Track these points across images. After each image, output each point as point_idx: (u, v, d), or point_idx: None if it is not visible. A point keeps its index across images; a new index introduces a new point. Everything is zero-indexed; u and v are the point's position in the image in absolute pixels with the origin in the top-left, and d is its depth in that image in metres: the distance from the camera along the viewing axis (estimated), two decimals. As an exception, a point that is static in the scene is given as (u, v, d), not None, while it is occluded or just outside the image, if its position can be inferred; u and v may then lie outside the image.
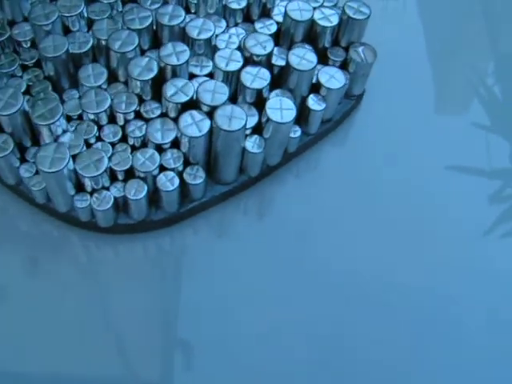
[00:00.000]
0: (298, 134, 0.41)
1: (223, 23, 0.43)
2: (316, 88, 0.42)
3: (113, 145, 0.39)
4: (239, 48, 0.41)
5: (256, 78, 0.39)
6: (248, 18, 0.44)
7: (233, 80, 0.40)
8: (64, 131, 0.38)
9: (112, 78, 0.41)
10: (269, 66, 0.41)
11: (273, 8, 0.44)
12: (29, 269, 0.41)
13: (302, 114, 0.42)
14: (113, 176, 0.38)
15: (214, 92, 0.38)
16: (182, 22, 0.40)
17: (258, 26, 0.43)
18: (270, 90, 0.41)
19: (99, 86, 0.40)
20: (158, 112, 0.39)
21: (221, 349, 0.38)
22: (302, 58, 0.40)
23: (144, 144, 0.39)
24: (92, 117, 0.39)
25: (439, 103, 0.50)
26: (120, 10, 0.43)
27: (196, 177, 0.39)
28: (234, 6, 0.43)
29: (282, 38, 0.43)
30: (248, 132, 0.39)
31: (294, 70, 0.40)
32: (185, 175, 0.39)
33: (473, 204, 0.44)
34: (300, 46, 0.41)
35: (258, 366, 0.38)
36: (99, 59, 0.41)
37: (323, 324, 0.39)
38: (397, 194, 0.44)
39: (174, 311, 0.40)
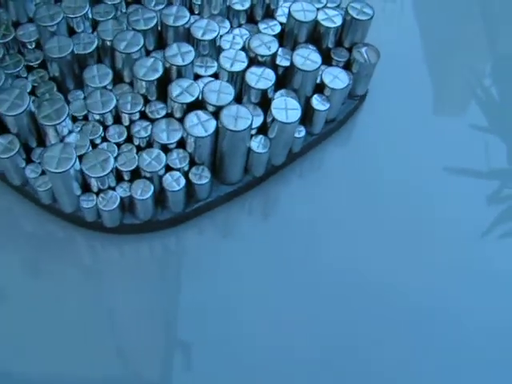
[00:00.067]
0: (303, 133, 0.42)
1: (227, 24, 0.43)
2: (320, 88, 0.42)
3: (118, 145, 0.39)
4: (243, 49, 0.41)
5: (261, 79, 0.39)
6: (251, 19, 0.45)
7: (237, 80, 0.40)
8: (70, 132, 0.38)
9: (117, 79, 0.41)
10: (273, 66, 0.41)
11: (276, 9, 0.44)
12: (34, 269, 0.41)
13: (306, 114, 0.42)
14: (119, 176, 0.39)
15: (220, 92, 0.38)
16: (186, 22, 0.41)
17: (261, 26, 0.43)
18: (275, 91, 0.41)
19: (104, 87, 0.40)
20: (164, 112, 0.40)
21: (224, 349, 0.39)
22: (307, 58, 0.40)
23: (149, 144, 0.39)
24: (97, 117, 0.39)
25: (440, 104, 0.51)
26: (124, 11, 0.44)
27: (202, 177, 0.39)
28: (238, 7, 0.44)
29: (286, 38, 0.43)
30: (253, 132, 0.40)
31: (299, 70, 0.40)
32: (190, 175, 0.39)
33: (471, 205, 0.44)
34: (304, 47, 0.42)
35: (260, 366, 0.38)
36: (104, 60, 0.41)
37: (326, 324, 0.40)
38: (398, 194, 0.44)
39: (179, 311, 0.40)
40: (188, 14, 0.41)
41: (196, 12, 0.44)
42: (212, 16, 0.43)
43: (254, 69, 0.40)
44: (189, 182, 0.39)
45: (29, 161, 0.39)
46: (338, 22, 0.42)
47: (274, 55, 0.41)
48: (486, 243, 0.43)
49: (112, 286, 0.41)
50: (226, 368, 0.38)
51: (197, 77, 0.41)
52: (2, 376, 0.38)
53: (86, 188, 0.38)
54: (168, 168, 0.38)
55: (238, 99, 0.40)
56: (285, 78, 0.42)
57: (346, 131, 0.47)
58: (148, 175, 0.38)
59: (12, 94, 0.37)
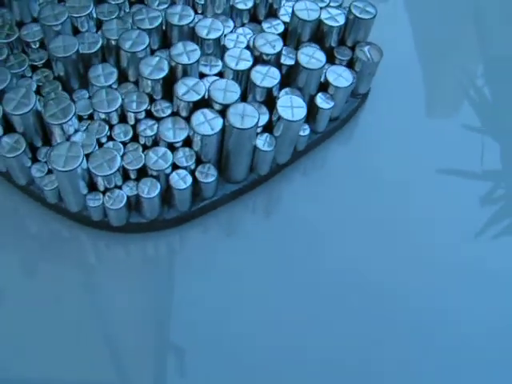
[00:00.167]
0: (307, 132, 0.42)
1: (231, 23, 0.43)
2: (323, 87, 0.42)
3: (124, 144, 0.39)
4: (247, 48, 0.42)
5: (266, 77, 0.40)
6: (254, 19, 0.45)
7: (242, 79, 0.40)
8: (76, 131, 0.38)
9: (122, 78, 0.41)
10: (277, 65, 0.41)
11: (279, 8, 0.44)
12: (38, 269, 0.41)
13: (310, 113, 0.42)
14: (125, 175, 0.39)
15: (226, 90, 0.38)
16: (191, 21, 0.41)
17: (265, 26, 0.43)
18: (279, 89, 0.41)
19: (109, 86, 0.40)
20: (169, 111, 0.40)
21: (227, 349, 0.39)
22: (311, 56, 0.40)
23: (155, 143, 0.39)
24: (103, 116, 0.39)
25: (440, 103, 0.51)
26: (127, 10, 0.44)
27: (208, 175, 0.39)
28: (241, 6, 0.44)
29: (289, 37, 0.43)
30: (258, 130, 0.40)
31: (304, 68, 0.40)
32: (197, 173, 0.39)
33: (468, 205, 0.45)
34: (307, 46, 0.42)
35: (261, 366, 0.38)
36: (108, 59, 0.42)
37: (327, 324, 0.40)
38: (398, 193, 0.45)
39: (182, 311, 0.40)
40: (192, 13, 0.41)
41: (199, 11, 0.44)
42: (215, 15, 0.43)
43: (259, 67, 0.40)
44: (195, 181, 0.39)
45: (34, 160, 0.39)
46: (341, 20, 0.43)
47: (279, 54, 0.41)
48: (481, 243, 0.43)
49: (117, 286, 0.41)
50: (229, 368, 0.38)
51: (202, 75, 0.41)
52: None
53: (92, 187, 0.38)
54: (174, 166, 0.38)
55: (242, 98, 0.40)
56: (289, 77, 0.42)
57: (349, 129, 0.47)
58: (155, 174, 0.38)
59: (18, 93, 0.37)
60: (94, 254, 0.42)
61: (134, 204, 0.39)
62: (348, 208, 0.44)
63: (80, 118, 0.39)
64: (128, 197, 0.38)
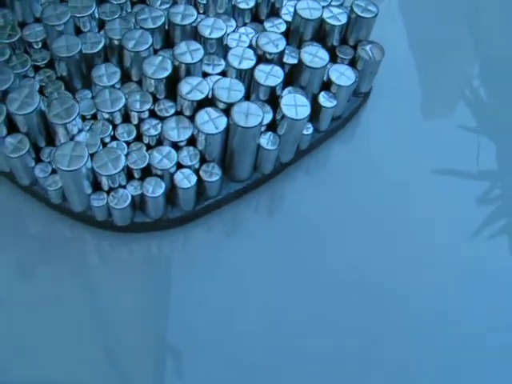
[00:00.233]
0: (311, 130, 0.42)
1: (233, 23, 0.43)
2: (325, 86, 0.42)
3: (127, 144, 0.39)
4: (250, 47, 0.42)
5: (269, 76, 0.40)
6: (256, 18, 0.45)
7: (246, 78, 0.40)
8: (79, 130, 0.38)
9: (125, 78, 0.41)
10: (280, 64, 0.41)
11: (281, 8, 0.44)
12: (42, 269, 0.41)
13: (313, 112, 0.42)
14: (129, 175, 0.39)
15: (230, 89, 0.38)
16: (194, 21, 0.41)
17: (267, 25, 0.43)
18: (282, 88, 0.41)
19: (113, 86, 0.40)
20: (173, 111, 0.40)
21: (230, 349, 0.38)
22: (315, 55, 0.40)
23: (159, 143, 0.39)
24: (106, 116, 0.39)
25: (441, 102, 0.51)
26: (129, 10, 0.44)
27: (212, 174, 0.39)
28: (243, 5, 0.44)
29: (292, 36, 0.43)
30: (262, 129, 0.40)
31: (307, 67, 0.40)
32: (201, 172, 0.39)
33: (465, 205, 0.45)
34: (310, 44, 0.42)
35: (262, 366, 0.38)
36: (111, 59, 0.42)
37: (328, 323, 0.40)
38: (398, 192, 0.45)
39: (186, 310, 0.40)
40: (195, 12, 0.41)
41: (201, 11, 0.44)
42: (217, 15, 0.43)
43: (262, 66, 0.40)
44: (199, 180, 0.39)
45: (38, 160, 0.39)
46: (343, 19, 0.43)
47: (282, 53, 0.41)
48: (480, 243, 0.43)
49: (120, 285, 0.40)
50: (230, 369, 0.38)
51: (204, 75, 0.41)
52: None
53: (96, 187, 0.38)
54: (178, 165, 0.38)
55: (246, 97, 0.40)
56: (291, 76, 0.42)
57: (351, 128, 0.47)
58: (159, 173, 0.38)
59: (22, 93, 0.37)
60: (97, 254, 0.42)
61: (138, 203, 0.39)
62: (349, 207, 0.44)
63: (83, 118, 0.39)
64: (132, 196, 0.38)
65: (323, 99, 0.42)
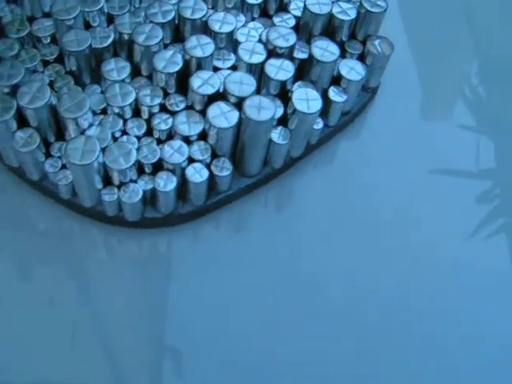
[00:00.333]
0: (321, 125, 0.42)
1: (242, 18, 0.43)
2: (335, 80, 0.42)
3: (138, 138, 0.39)
4: (259, 42, 0.41)
5: (280, 70, 0.40)
6: (264, 13, 0.45)
7: (256, 72, 0.40)
8: (90, 125, 0.38)
9: (134, 72, 0.41)
10: (290, 58, 0.41)
11: (290, 3, 0.44)
12: (49, 265, 0.40)
13: (323, 106, 0.42)
14: (140, 169, 0.38)
15: (242, 83, 0.38)
16: (204, 15, 0.41)
17: (276, 20, 0.43)
18: (292, 83, 0.41)
19: (123, 80, 0.40)
20: (183, 105, 0.40)
21: (233, 348, 0.38)
22: (325, 49, 0.40)
23: (169, 137, 0.39)
24: (117, 110, 0.39)
25: (445, 100, 0.51)
26: (137, 5, 0.43)
27: (223, 169, 0.39)
28: (252, 0, 0.44)
29: (301, 31, 0.43)
30: (273, 124, 0.40)
31: (318, 61, 0.40)
32: (212, 167, 0.39)
33: (465, 205, 0.45)
34: (320, 39, 0.42)
35: (263, 366, 0.38)
36: (120, 54, 0.41)
37: (329, 323, 0.39)
38: (404, 190, 0.45)
39: (188, 309, 0.39)
40: (205, 7, 0.41)
41: (210, 6, 0.44)
42: (226, 9, 0.43)
43: (272, 60, 0.40)
44: (210, 174, 0.39)
45: (47, 155, 0.39)
46: (353, 14, 0.43)
47: (292, 47, 0.41)
48: (480, 242, 0.43)
49: (128, 282, 0.40)
50: (232, 368, 0.38)
51: (214, 69, 0.41)
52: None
53: (106, 182, 0.38)
54: (189, 160, 0.38)
55: (256, 91, 0.40)
56: (301, 71, 0.42)
57: (359, 123, 0.47)
58: (171, 167, 0.38)
59: (32, 87, 0.37)
60: (106, 250, 0.42)
61: (149, 198, 0.39)
62: (355, 203, 0.44)
63: (93, 113, 0.39)
64: (143, 191, 0.38)
65: (333, 94, 0.42)
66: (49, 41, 0.41)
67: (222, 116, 0.37)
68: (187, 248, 0.42)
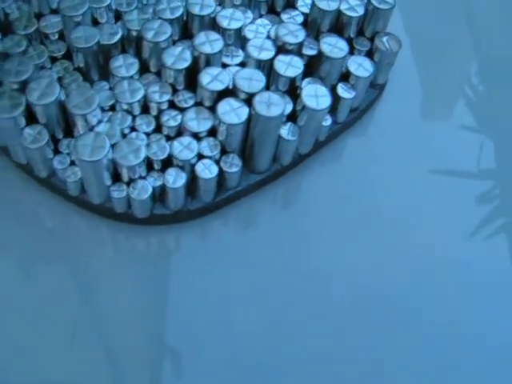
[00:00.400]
0: (329, 122, 0.42)
1: (250, 14, 0.43)
2: (343, 77, 0.42)
3: (147, 135, 0.39)
4: (268, 38, 0.41)
5: (289, 67, 0.39)
6: (272, 10, 0.45)
7: (265, 69, 0.40)
8: (99, 121, 0.38)
9: (143, 69, 0.40)
10: (299, 55, 0.41)
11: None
12: (56, 263, 0.40)
13: (332, 103, 0.42)
14: (149, 166, 0.38)
15: (251, 79, 0.38)
16: (212, 12, 0.41)
17: (284, 16, 0.43)
18: (301, 80, 0.41)
19: (131, 77, 0.40)
20: (192, 102, 0.39)
21: (231, 350, 0.38)
22: (334, 46, 0.40)
23: (178, 134, 0.39)
24: (125, 107, 0.39)
25: (449, 99, 0.51)
26: (145, 2, 0.43)
27: (232, 165, 0.39)
28: (260, -3, 0.44)
29: (309, 28, 0.43)
30: (282, 120, 0.40)
31: (327, 58, 0.40)
32: (221, 163, 0.39)
33: (465, 205, 0.45)
34: (329, 35, 0.42)
35: (264, 366, 0.38)
36: (128, 50, 0.41)
37: (330, 323, 0.39)
38: (405, 190, 0.45)
39: (191, 308, 0.39)
40: (213, 3, 0.41)
41: (217, 3, 0.44)
42: (234, 6, 0.43)
43: (281, 57, 0.40)
44: (219, 171, 0.39)
45: (56, 152, 0.39)
46: (361, 11, 0.43)
47: (301, 44, 0.41)
48: (479, 242, 0.43)
49: (133, 279, 0.40)
50: (236, 366, 0.38)
51: (223, 66, 0.41)
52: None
53: (115, 179, 0.38)
54: (199, 156, 0.38)
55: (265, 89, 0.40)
56: (309, 67, 0.42)
57: (367, 120, 0.47)
58: (180, 163, 0.38)
59: (41, 83, 0.37)
60: (113, 247, 0.42)
61: (157, 195, 0.39)
62: (359, 203, 0.44)
63: (101, 110, 0.39)
64: (153, 187, 0.38)
65: (342, 90, 0.42)
66: (56, 37, 0.41)
67: (232, 112, 0.37)
68: (195, 245, 0.41)
